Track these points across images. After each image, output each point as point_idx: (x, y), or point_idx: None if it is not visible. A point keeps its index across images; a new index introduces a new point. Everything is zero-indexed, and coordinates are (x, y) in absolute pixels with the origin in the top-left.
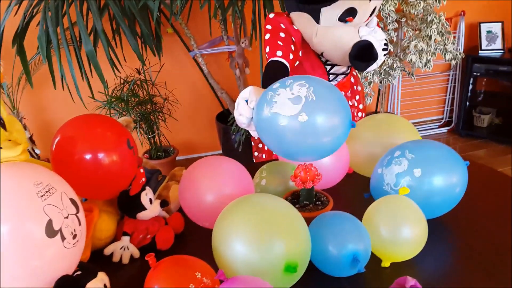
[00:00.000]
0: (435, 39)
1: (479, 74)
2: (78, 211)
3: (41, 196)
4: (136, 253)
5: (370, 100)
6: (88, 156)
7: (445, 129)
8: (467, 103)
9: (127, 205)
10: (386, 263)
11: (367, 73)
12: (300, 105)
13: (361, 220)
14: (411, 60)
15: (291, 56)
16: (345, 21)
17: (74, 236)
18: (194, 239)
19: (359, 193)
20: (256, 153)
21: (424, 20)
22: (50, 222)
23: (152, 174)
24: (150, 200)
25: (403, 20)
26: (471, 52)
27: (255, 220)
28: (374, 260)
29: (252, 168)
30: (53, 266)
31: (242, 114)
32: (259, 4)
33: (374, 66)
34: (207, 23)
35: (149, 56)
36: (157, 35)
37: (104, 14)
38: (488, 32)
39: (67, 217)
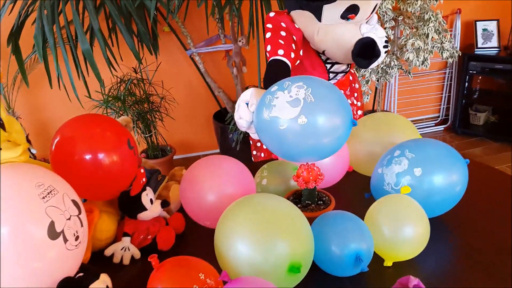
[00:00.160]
0: (432, 37)
1: (475, 72)
2: (80, 213)
3: (43, 197)
4: (137, 254)
5: (367, 98)
6: (88, 157)
7: (441, 127)
8: (463, 101)
9: (128, 205)
10: (388, 263)
11: (365, 71)
12: (299, 107)
13: (362, 219)
14: (408, 58)
15: (292, 55)
16: (347, 19)
17: (77, 238)
18: (195, 239)
19: (359, 192)
20: (254, 152)
21: (421, 18)
22: (52, 224)
23: (151, 174)
24: (151, 201)
25: (400, 18)
26: (467, 50)
27: (257, 220)
28: (377, 259)
29: (251, 167)
30: (55, 268)
31: (242, 117)
32: (256, 3)
33: (376, 63)
34: (204, 21)
35: (145, 55)
36: (153, 34)
37: (100, 12)
38: (484, 30)
39: (69, 219)
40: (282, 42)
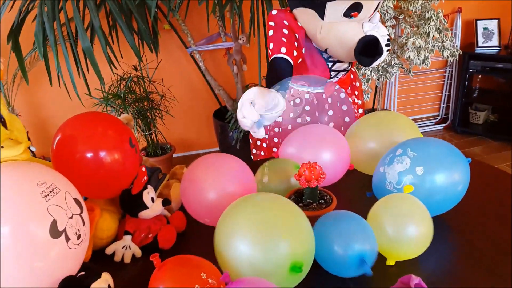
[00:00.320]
0: (433, 36)
1: (475, 71)
2: (82, 211)
3: (45, 196)
4: (138, 253)
5: (367, 97)
6: (89, 155)
7: (441, 126)
8: (463, 100)
9: (129, 204)
10: (391, 262)
11: (365, 70)
12: None
13: (364, 218)
14: (409, 57)
15: (294, 53)
16: (350, 16)
17: (79, 237)
18: (196, 238)
19: (360, 190)
20: (254, 151)
21: (422, 17)
22: (54, 223)
23: (152, 172)
24: (152, 199)
25: (401, 17)
26: (467, 49)
27: (258, 219)
28: (379, 258)
29: (250, 165)
30: (57, 267)
31: (246, 116)
32: (257, 1)
33: (378, 61)
34: (204, 19)
35: (146, 53)
36: (154, 31)
37: (100, 10)
38: (485, 29)
39: (71, 217)
40: (285, 40)
